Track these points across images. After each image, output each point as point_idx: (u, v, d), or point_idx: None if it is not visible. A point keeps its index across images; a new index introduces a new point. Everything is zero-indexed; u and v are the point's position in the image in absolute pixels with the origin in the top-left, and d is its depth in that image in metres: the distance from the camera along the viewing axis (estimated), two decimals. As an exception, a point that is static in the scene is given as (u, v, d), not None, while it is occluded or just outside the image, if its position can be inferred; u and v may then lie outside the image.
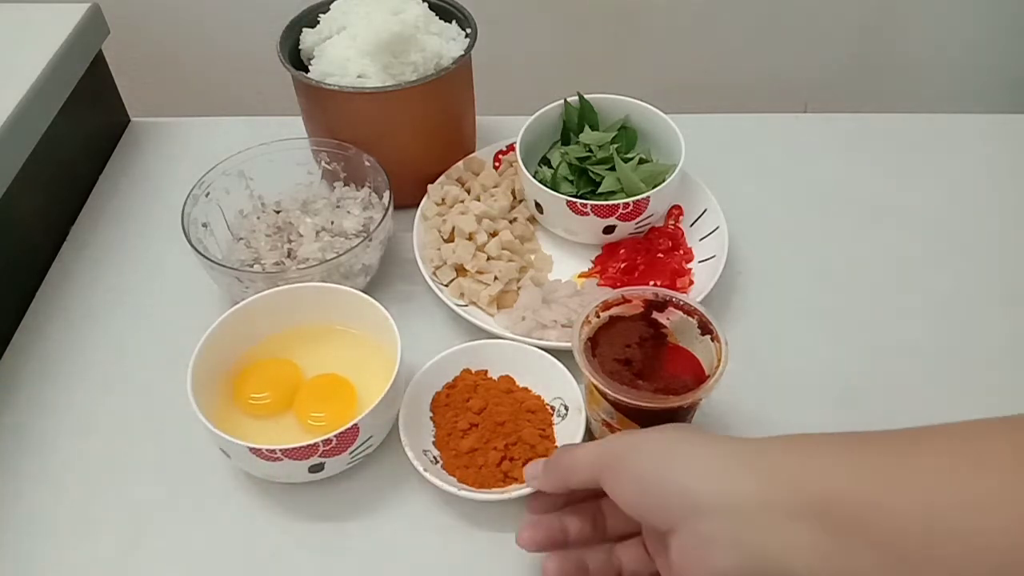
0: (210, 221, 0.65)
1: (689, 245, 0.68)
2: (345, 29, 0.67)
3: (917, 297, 0.65)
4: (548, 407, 0.56)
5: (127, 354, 0.63)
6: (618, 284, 0.64)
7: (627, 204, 0.63)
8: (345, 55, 0.65)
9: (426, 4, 0.70)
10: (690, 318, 0.51)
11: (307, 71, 0.68)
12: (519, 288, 0.65)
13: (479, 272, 0.64)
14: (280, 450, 0.49)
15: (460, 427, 0.54)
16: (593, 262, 0.68)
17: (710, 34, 1.25)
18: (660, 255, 0.67)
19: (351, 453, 0.51)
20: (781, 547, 0.34)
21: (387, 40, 0.65)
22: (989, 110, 0.83)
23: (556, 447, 0.54)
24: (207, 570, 0.51)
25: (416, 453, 0.52)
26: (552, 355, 0.57)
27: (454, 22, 0.71)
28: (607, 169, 0.68)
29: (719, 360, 0.49)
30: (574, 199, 0.64)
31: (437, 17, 0.70)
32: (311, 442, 0.49)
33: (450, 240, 0.67)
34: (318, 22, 0.70)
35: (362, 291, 0.58)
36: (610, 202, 0.64)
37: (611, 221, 0.65)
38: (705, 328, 0.51)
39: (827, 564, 0.33)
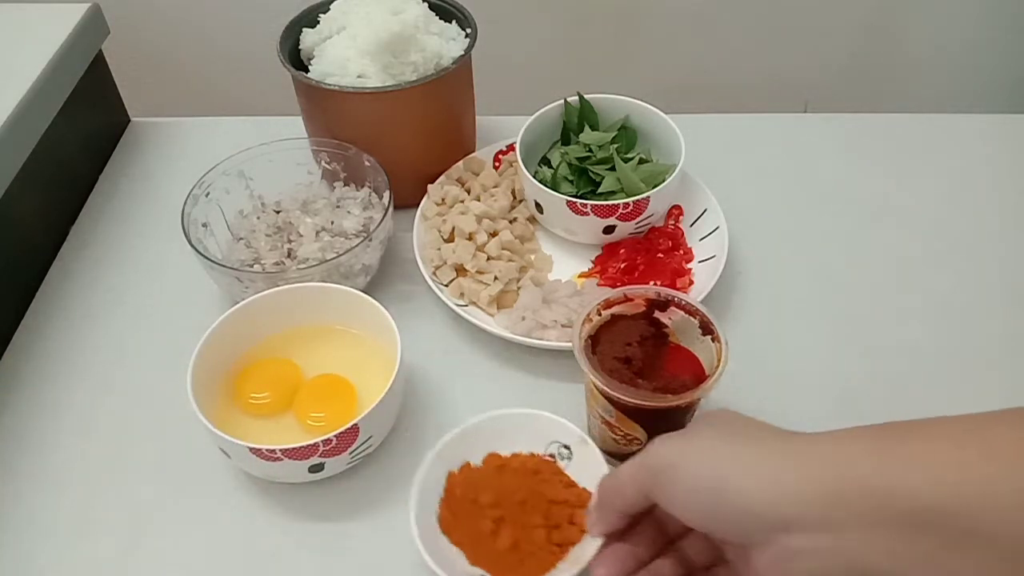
0: (210, 221, 0.65)
1: (689, 245, 0.68)
2: (345, 29, 0.67)
3: (917, 297, 0.65)
4: (548, 458, 0.52)
5: (127, 354, 0.63)
6: (618, 284, 0.64)
7: (627, 204, 0.63)
8: (345, 55, 0.65)
9: (426, 4, 0.70)
10: (691, 318, 0.51)
11: (307, 71, 0.68)
12: (519, 288, 0.65)
13: (479, 272, 0.64)
14: (280, 450, 0.49)
15: (486, 530, 0.48)
16: (593, 262, 0.68)
17: (710, 34, 1.25)
18: (660, 255, 0.67)
19: (351, 453, 0.51)
20: (869, 552, 0.34)
21: (387, 40, 0.65)
22: (989, 110, 0.83)
23: (583, 488, 0.50)
24: (207, 570, 0.51)
25: None
26: (549, 354, 0.57)
27: (454, 22, 0.71)
28: (607, 169, 0.68)
29: (719, 360, 0.49)
30: (574, 199, 0.64)
31: (437, 17, 0.70)
32: (311, 442, 0.49)
33: (450, 240, 0.67)
34: (318, 22, 0.70)
35: (362, 291, 0.58)
36: (610, 202, 0.64)
37: (611, 221, 0.65)
38: (706, 328, 0.51)
39: (919, 565, 0.33)
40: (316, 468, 0.51)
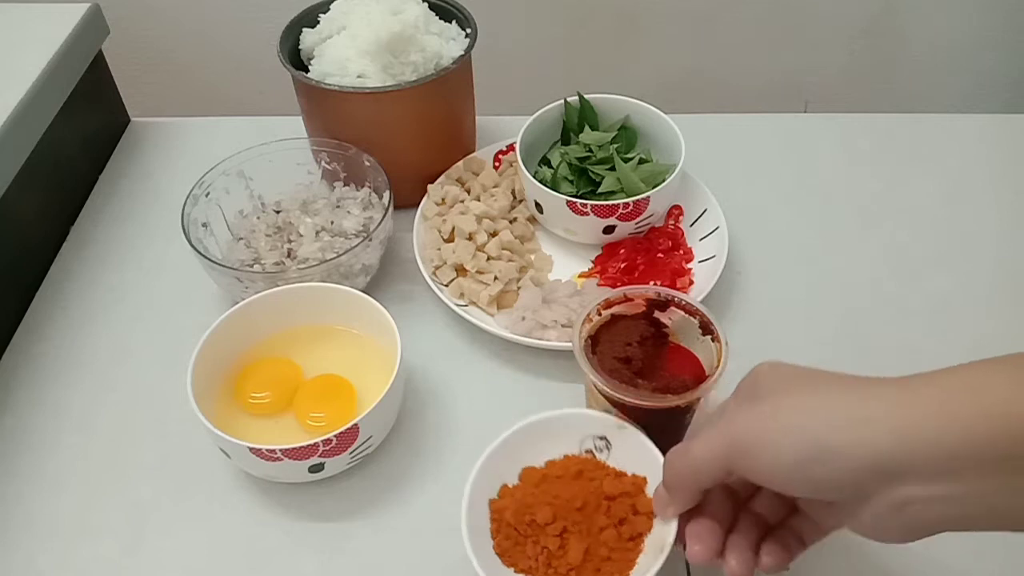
0: (210, 221, 0.65)
1: (689, 245, 0.68)
2: (345, 29, 0.67)
3: (917, 297, 0.65)
4: (586, 455, 0.50)
5: (127, 354, 0.63)
6: (618, 284, 0.64)
7: (627, 204, 0.63)
8: (345, 55, 0.65)
9: (426, 4, 0.70)
10: (692, 318, 0.51)
11: (307, 71, 0.68)
12: (519, 288, 0.65)
13: (479, 272, 0.64)
14: (280, 450, 0.49)
15: (554, 547, 0.45)
16: (593, 262, 0.68)
17: (710, 34, 1.25)
18: (660, 255, 0.67)
19: (351, 453, 0.51)
20: (983, 493, 0.33)
21: (387, 40, 0.65)
22: (988, 110, 0.83)
23: (634, 475, 0.48)
24: (207, 570, 0.51)
25: None
26: (549, 354, 0.56)
27: (454, 22, 0.71)
28: (607, 169, 0.68)
29: (719, 360, 0.49)
30: (574, 199, 0.64)
31: (437, 17, 0.70)
32: (311, 442, 0.49)
33: (450, 240, 0.67)
34: (318, 22, 0.70)
35: (362, 291, 0.58)
36: (610, 202, 0.64)
37: (611, 221, 0.65)
38: (706, 328, 0.51)
39: None
40: (316, 468, 0.51)
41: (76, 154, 0.77)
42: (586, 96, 0.71)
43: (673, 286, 0.63)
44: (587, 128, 0.71)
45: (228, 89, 1.27)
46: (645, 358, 0.51)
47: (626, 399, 0.48)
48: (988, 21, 1.24)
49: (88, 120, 0.78)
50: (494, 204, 0.68)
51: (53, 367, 0.62)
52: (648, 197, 0.64)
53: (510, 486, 0.48)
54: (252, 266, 0.63)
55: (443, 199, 0.70)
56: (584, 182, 0.69)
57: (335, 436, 0.49)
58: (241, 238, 0.66)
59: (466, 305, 0.64)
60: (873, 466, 0.34)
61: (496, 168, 0.74)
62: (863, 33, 1.26)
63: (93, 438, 0.58)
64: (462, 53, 0.68)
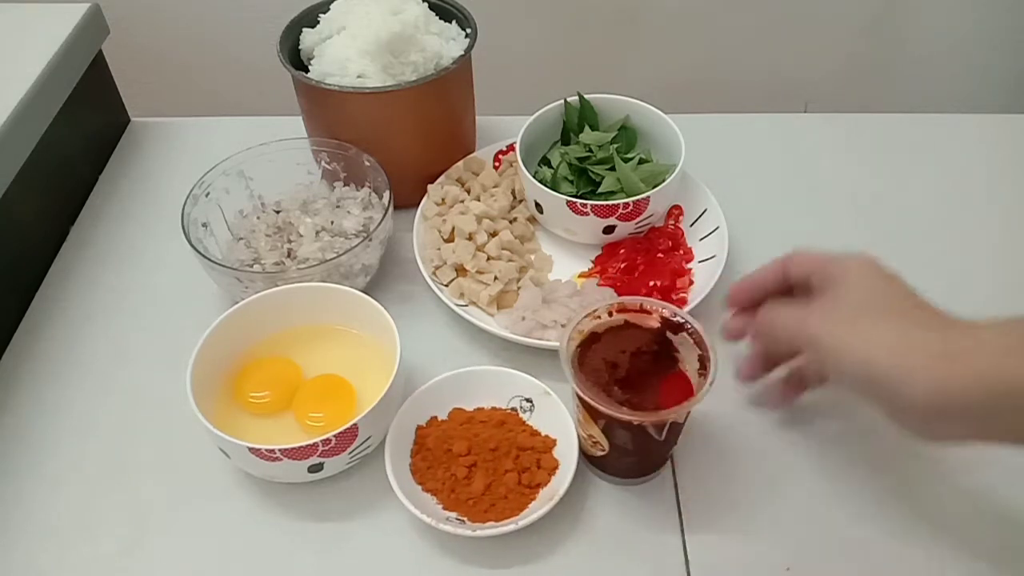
0: (210, 221, 0.65)
1: (689, 245, 0.68)
2: (345, 29, 0.67)
3: (917, 297, 0.65)
4: (510, 411, 0.56)
5: (127, 354, 0.63)
6: (618, 284, 0.64)
7: (627, 204, 0.63)
8: (345, 55, 0.65)
9: (426, 4, 0.70)
10: (696, 349, 0.50)
11: (307, 71, 0.68)
12: (519, 288, 0.65)
13: (479, 272, 0.64)
14: (279, 450, 0.49)
15: (461, 476, 0.52)
16: (593, 262, 0.68)
17: (710, 34, 1.25)
18: (660, 255, 0.66)
19: (350, 453, 0.51)
20: (1007, 431, 0.41)
21: (387, 40, 0.65)
22: (988, 110, 0.83)
23: (547, 436, 0.54)
24: (207, 570, 0.51)
25: (438, 520, 0.50)
26: (549, 354, 0.56)
27: (454, 22, 0.71)
28: (607, 169, 0.68)
29: (698, 393, 0.48)
30: (574, 199, 0.64)
31: (437, 17, 0.70)
32: (310, 442, 0.49)
33: (450, 240, 0.67)
34: (318, 22, 0.70)
35: (362, 291, 0.58)
36: (610, 202, 0.64)
37: (611, 221, 0.65)
38: (703, 364, 0.49)
39: None
40: (315, 468, 0.51)
41: (76, 154, 0.77)
42: (586, 96, 0.71)
43: (673, 286, 0.63)
44: (587, 128, 0.71)
45: (228, 89, 1.27)
46: (635, 370, 0.50)
47: (586, 397, 0.47)
48: (988, 21, 1.24)
49: (88, 120, 0.78)
50: (494, 204, 0.68)
51: (53, 367, 0.62)
52: (648, 197, 0.64)
53: (439, 419, 0.56)
54: (252, 266, 0.63)
55: (443, 199, 0.70)
56: (584, 182, 0.69)
57: (334, 436, 0.49)
58: (241, 238, 0.66)
59: (466, 305, 0.64)
60: (914, 405, 0.41)
61: (496, 168, 0.74)
62: (863, 33, 1.26)
63: (93, 438, 0.58)
64: (462, 53, 0.68)
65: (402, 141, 0.68)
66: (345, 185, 0.69)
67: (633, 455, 0.52)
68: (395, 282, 0.68)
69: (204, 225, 0.64)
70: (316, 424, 0.54)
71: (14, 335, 0.65)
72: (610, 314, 0.52)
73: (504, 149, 0.75)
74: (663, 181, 0.65)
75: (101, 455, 0.57)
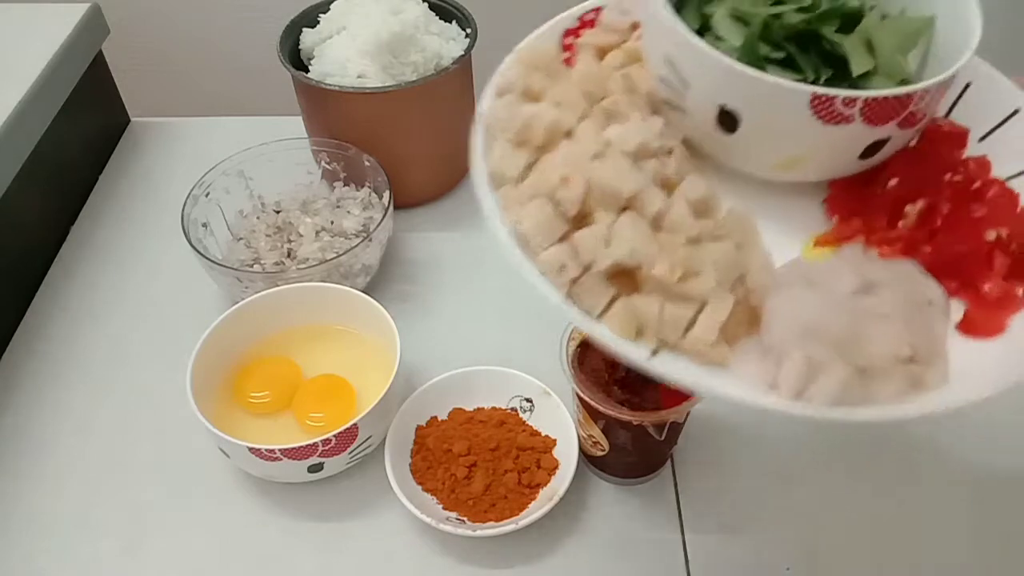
0: (210, 221, 0.65)
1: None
2: (345, 29, 0.68)
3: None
4: (510, 411, 0.56)
5: (127, 354, 0.63)
6: (908, 247, 0.35)
7: (923, 94, 0.33)
8: (345, 55, 0.65)
9: (426, 4, 0.70)
10: None
11: (307, 71, 0.68)
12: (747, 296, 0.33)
13: (681, 280, 0.32)
14: (279, 450, 0.49)
15: (461, 476, 0.52)
16: (828, 211, 0.37)
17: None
18: (957, 178, 0.36)
19: (350, 453, 0.52)
20: None
21: (387, 40, 0.65)
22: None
23: (547, 436, 0.54)
24: (206, 570, 0.51)
25: (438, 520, 0.50)
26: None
27: (454, 22, 0.71)
28: (835, 33, 0.36)
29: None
30: (827, 93, 0.32)
31: (437, 17, 0.70)
32: (310, 442, 0.49)
33: (581, 218, 0.34)
34: (318, 22, 0.70)
35: (362, 291, 0.58)
36: (899, 91, 0.32)
37: (886, 131, 0.34)
38: None
39: None
40: (315, 468, 0.51)
41: (76, 154, 0.77)
42: None
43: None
44: None
45: (228, 89, 1.27)
46: (636, 372, 0.47)
47: (585, 397, 0.47)
48: (988, 21, 1.24)
49: (88, 120, 0.78)
50: (643, 127, 0.35)
51: (53, 367, 0.62)
52: (950, 79, 0.34)
53: (439, 419, 0.56)
54: (252, 266, 0.63)
55: (525, 139, 0.38)
56: (778, 65, 0.36)
57: (334, 436, 0.49)
58: (241, 238, 0.66)
59: (656, 351, 0.33)
60: None
61: (567, 64, 0.42)
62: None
63: (93, 438, 0.58)
64: (462, 53, 0.68)
65: (402, 141, 0.68)
66: (345, 185, 0.69)
67: (633, 455, 0.52)
68: (395, 282, 0.67)
69: (204, 225, 0.64)
70: (316, 424, 0.54)
71: (14, 335, 0.65)
72: None
73: (577, 23, 0.42)
74: (926, 48, 0.38)
75: (101, 455, 0.57)
